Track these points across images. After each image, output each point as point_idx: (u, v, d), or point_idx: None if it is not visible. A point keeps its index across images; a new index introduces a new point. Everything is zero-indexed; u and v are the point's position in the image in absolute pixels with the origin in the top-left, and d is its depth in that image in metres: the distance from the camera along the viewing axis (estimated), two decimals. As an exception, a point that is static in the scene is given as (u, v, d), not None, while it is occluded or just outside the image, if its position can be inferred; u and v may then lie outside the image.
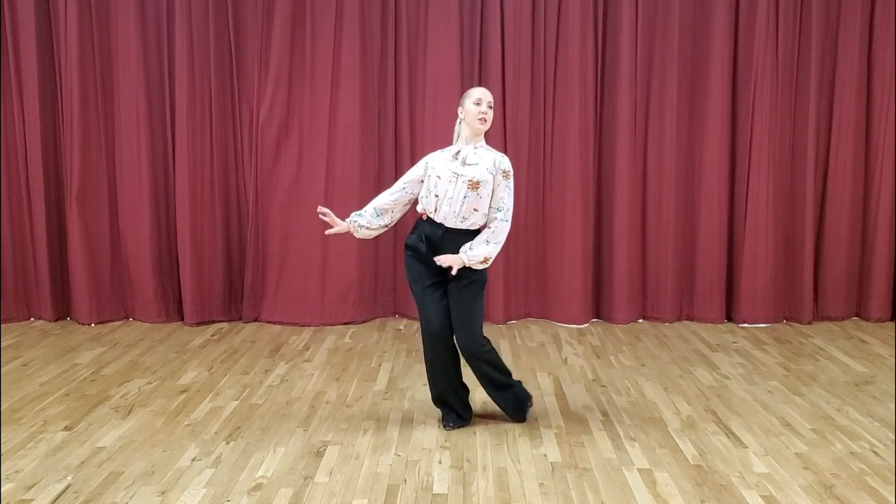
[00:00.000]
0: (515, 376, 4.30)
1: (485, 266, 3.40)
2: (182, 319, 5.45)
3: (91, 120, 5.31)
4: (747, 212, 5.44)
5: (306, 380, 4.29)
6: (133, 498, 2.92)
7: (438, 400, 3.65)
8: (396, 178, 5.48)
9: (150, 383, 4.20)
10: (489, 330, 5.34)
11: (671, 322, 5.55)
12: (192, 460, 3.24)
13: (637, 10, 5.31)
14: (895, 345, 5.01)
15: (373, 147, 5.45)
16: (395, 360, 4.65)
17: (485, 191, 3.36)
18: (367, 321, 5.54)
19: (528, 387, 4.13)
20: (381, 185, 5.51)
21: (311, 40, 5.30)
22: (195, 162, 5.30)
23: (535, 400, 3.96)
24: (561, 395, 4.03)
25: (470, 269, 3.40)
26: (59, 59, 5.26)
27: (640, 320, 5.61)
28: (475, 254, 3.35)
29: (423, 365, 4.50)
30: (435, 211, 3.41)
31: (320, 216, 3.57)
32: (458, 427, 3.58)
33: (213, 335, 5.18)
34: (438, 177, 3.39)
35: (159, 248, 5.47)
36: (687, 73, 5.39)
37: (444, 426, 3.59)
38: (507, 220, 3.41)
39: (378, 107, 5.44)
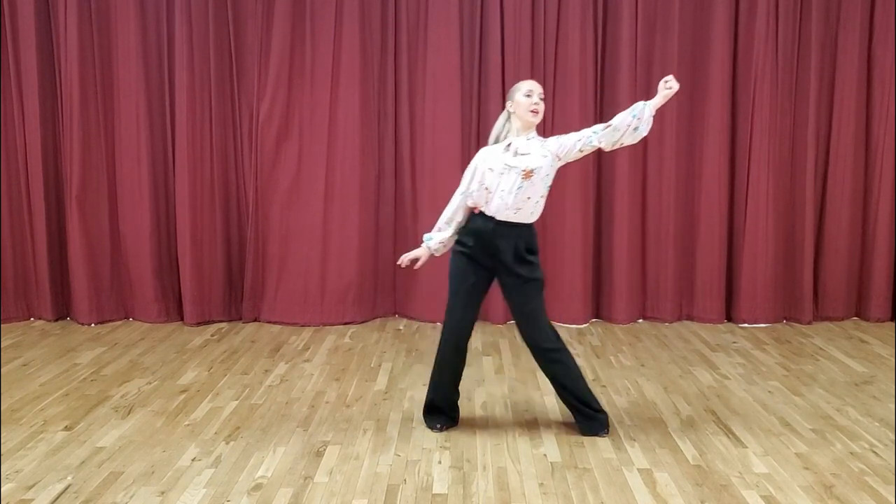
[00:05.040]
0: (515, 376, 4.33)
1: (652, 114, 3.30)
2: (182, 319, 5.45)
3: (91, 120, 5.31)
4: (747, 212, 5.44)
5: (306, 380, 4.29)
6: (133, 498, 2.92)
7: (430, 406, 3.63)
8: (396, 179, 5.55)
9: (150, 383, 4.20)
10: (490, 330, 5.35)
11: (671, 322, 5.55)
12: (192, 460, 3.24)
13: (637, 10, 5.30)
14: (895, 345, 5.01)
15: (373, 147, 5.45)
16: (395, 360, 4.65)
17: (538, 177, 3.35)
18: (367, 321, 5.54)
19: (528, 387, 4.16)
20: (381, 185, 5.52)
21: (311, 40, 5.30)
22: (195, 162, 5.29)
23: (535, 400, 3.97)
24: (561, 395, 4.02)
25: (529, 266, 3.39)
26: (59, 59, 5.26)
27: (640, 320, 5.61)
28: (648, 112, 3.29)
29: (423, 365, 4.53)
30: (486, 204, 3.40)
31: (404, 265, 3.64)
32: (448, 427, 3.57)
33: (213, 335, 5.18)
34: (490, 169, 3.38)
35: (159, 248, 5.47)
36: (687, 73, 5.38)
37: (433, 428, 3.57)
38: (593, 130, 3.36)
39: (378, 107, 5.44)
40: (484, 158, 3.45)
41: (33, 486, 3.01)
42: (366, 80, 5.35)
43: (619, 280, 5.49)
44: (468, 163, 5.35)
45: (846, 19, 5.37)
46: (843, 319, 5.63)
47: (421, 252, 3.60)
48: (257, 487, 3.01)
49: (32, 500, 2.91)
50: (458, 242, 3.51)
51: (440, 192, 5.40)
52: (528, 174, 3.33)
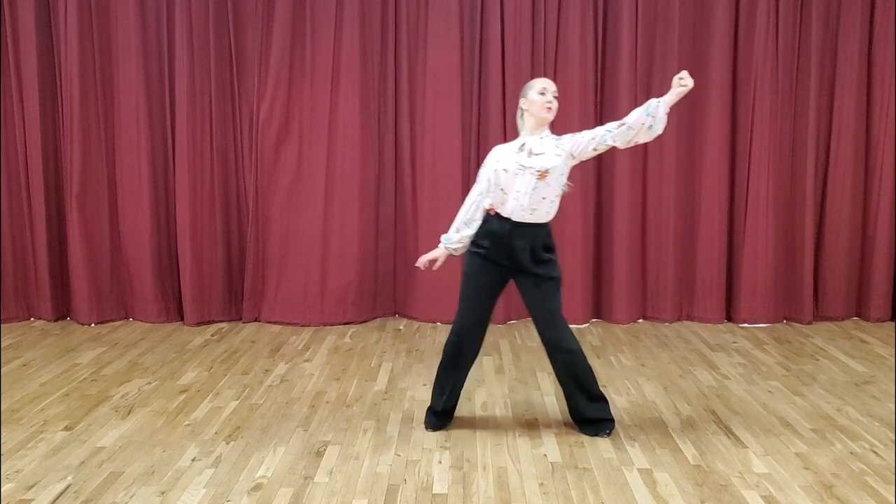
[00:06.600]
0: (515, 376, 4.33)
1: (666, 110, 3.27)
2: (182, 319, 5.45)
3: (91, 120, 5.31)
4: (747, 212, 5.44)
5: (306, 380, 4.29)
6: (133, 498, 2.92)
7: (437, 396, 3.59)
8: (396, 179, 5.55)
9: (150, 383, 4.20)
10: (490, 330, 5.32)
11: (671, 322, 5.55)
12: (192, 460, 3.24)
13: (637, 9, 5.30)
14: (895, 345, 5.01)
15: (373, 147, 5.45)
16: (395, 360, 4.65)
17: (552, 176, 3.33)
18: (367, 321, 5.54)
19: (528, 387, 4.16)
20: (381, 185, 5.53)
21: (311, 40, 5.30)
22: (195, 162, 5.29)
23: (535, 400, 3.97)
24: (561, 396, 4.00)
25: (547, 265, 3.39)
26: (59, 59, 5.26)
27: (640, 320, 5.61)
28: (662, 110, 3.27)
29: (423, 365, 4.53)
30: (502, 205, 3.38)
31: (423, 267, 3.62)
32: (437, 429, 3.55)
33: (213, 335, 5.18)
34: (505, 170, 3.35)
35: (159, 248, 5.47)
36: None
37: (426, 426, 3.58)
38: (607, 128, 3.35)
39: (378, 107, 5.44)
40: (497, 158, 3.42)
41: (33, 486, 3.01)
42: (366, 81, 5.35)
43: (619, 280, 5.49)
44: (468, 162, 5.45)
45: (846, 19, 5.37)
46: (843, 319, 5.63)
47: (439, 253, 3.58)
48: (257, 487, 3.01)
49: (32, 500, 2.91)
50: (473, 244, 3.47)
51: (440, 192, 5.42)
52: (543, 174, 3.31)
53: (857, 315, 5.68)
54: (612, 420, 3.54)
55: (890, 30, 5.35)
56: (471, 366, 3.59)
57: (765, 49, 5.31)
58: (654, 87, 5.40)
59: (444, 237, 3.57)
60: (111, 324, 5.44)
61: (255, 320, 5.51)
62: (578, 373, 3.45)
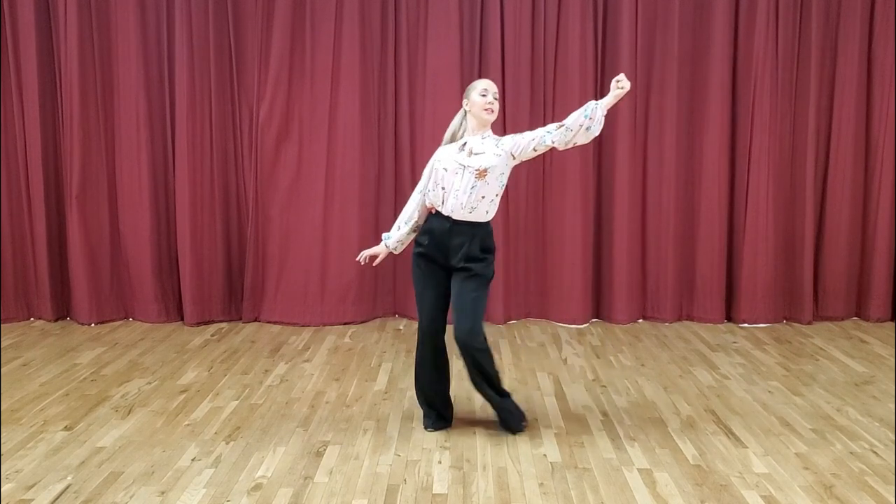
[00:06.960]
0: (515, 376, 4.33)
1: (604, 113, 3.28)
2: (182, 319, 5.45)
3: (91, 120, 5.31)
4: (747, 212, 5.44)
5: (306, 380, 4.29)
6: (133, 498, 2.92)
7: (422, 401, 3.64)
8: (396, 179, 5.55)
9: (150, 383, 4.20)
10: (490, 330, 5.33)
11: (671, 322, 5.55)
12: (192, 460, 3.24)
13: (637, 9, 5.31)
14: (895, 345, 5.01)
15: (373, 147, 5.45)
16: (395, 360, 4.65)
17: (492, 176, 3.36)
18: (367, 321, 5.54)
19: (528, 387, 4.16)
20: (380, 185, 5.53)
21: (311, 40, 5.30)
22: (195, 162, 5.30)
23: (535, 400, 3.97)
24: (561, 395, 4.03)
25: (481, 263, 3.38)
26: (59, 59, 5.26)
27: (640, 320, 5.61)
28: (600, 112, 3.27)
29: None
30: (442, 204, 3.41)
31: (363, 262, 3.64)
32: (438, 429, 3.56)
33: (212, 335, 5.18)
34: (445, 169, 3.40)
35: (159, 248, 5.47)
36: (687, 72, 5.39)
37: (424, 427, 3.59)
38: (547, 129, 3.36)
39: (378, 107, 5.45)
40: (439, 158, 3.47)
41: (33, 486, 3.01)
42: (366, 80, 5.35)
43: (619, 280, 5.49)
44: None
45: (846, 19, 5.37)
46: (843, 319, 5.63)
47: (379, 249, 3.63)
48: (257, 487, 3.01)
49: (32, 500, 2.91)
50: (416, 243, 3.53)
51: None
52: (481, 173, 3.34)
53: (857, 315, 5.69)
54: (523, 413, 3.59)
55: (890, 30, 5.35)
56: (440, 367, 3.56)
57: (765, 49, 5.31)
58: (653, 87, 5.40)
59: (384, 234, 3.64)
60: (111, 324, 5.44)
61: (255, 320, 5.51)
62: (486, 370, 3.43)
